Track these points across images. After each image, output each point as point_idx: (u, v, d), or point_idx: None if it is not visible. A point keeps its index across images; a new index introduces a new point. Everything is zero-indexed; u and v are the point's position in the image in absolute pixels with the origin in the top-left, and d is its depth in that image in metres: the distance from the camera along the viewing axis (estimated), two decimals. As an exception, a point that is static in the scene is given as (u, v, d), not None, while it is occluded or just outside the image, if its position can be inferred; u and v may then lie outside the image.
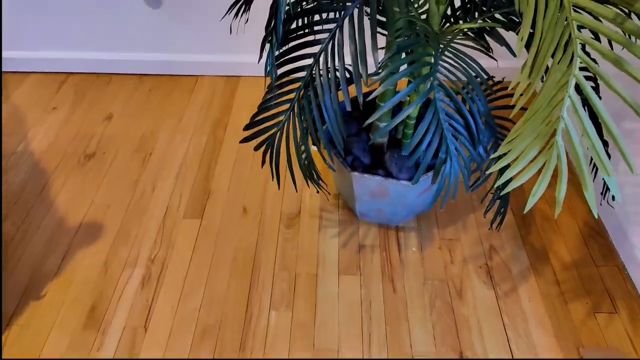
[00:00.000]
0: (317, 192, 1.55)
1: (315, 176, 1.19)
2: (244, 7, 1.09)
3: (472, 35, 0.96)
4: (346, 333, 1.20)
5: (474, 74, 0.82)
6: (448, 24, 1.04)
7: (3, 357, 1.15)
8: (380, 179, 1.18)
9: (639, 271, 1.26)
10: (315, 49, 0.90)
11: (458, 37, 0.90)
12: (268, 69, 0.87)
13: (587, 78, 1.05)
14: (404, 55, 0.88)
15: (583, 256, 1.36)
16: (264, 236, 1.42)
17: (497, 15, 0.98)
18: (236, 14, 1.15)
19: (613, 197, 1.42)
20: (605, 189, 1.28)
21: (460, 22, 1.02)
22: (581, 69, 0.68)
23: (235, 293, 1.28)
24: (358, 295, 1.28)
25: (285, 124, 0.97)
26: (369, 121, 0.83)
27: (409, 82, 0.85)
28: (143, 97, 1.94)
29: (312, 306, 1.25)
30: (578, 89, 0.72)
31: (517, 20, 0.96)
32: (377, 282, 1.30)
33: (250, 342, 1.18)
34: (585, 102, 0.99)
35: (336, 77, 0.86)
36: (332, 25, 0.87)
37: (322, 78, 0.87)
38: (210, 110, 1.87)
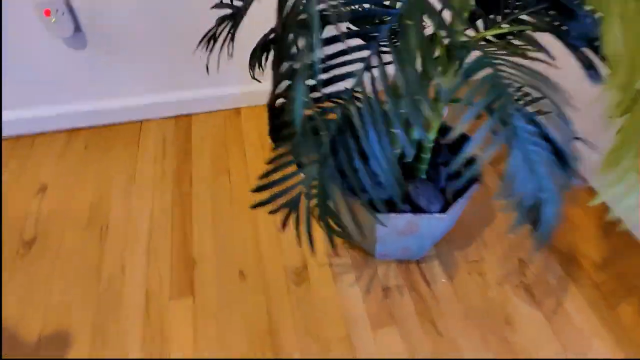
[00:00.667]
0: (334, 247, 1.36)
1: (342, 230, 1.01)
2: (227, 34, 0.89)
3: (503, 43, 0.85)
4: (404, 400, 1.03)
5: (539, 85, 0.69)
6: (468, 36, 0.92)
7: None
8: (410, 216, 1.03)
9: (669, 257, 1.23)
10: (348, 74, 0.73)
11: (489, 47, 0.78)
12: (297, 107, 0.68)
13: None
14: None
15: (609, 253, 1.31)
16: (272, 301, 1.21)
17: (524, 17, 0.87)
18: (209, 44, 0.94)
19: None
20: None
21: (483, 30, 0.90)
22: None
23: (261, 381, 1.06)
24: (401, 348, 1.11)
25: (314, 180, 0.78)
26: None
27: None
28: (79, 157, 1.62)
29: (356, 375, 1.07)
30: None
31: (548, 19, 0.86)
32: (417, 328, 1.15)
33: None
34: None
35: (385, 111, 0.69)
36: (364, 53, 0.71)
37: (366, 114, 0.70)
38: (167, 160, 1.61)
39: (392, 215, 1.03)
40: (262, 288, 1.24)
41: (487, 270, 1.27)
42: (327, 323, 1.16)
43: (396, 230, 1.08)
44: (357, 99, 0.73)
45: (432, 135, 1.04)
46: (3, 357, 1.10)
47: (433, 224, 1.06)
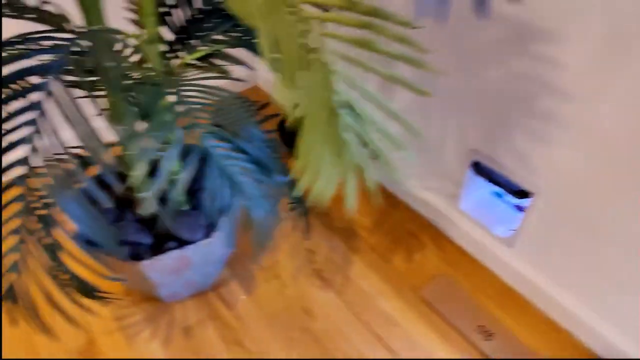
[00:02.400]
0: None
1: (94, 292, 0.91)
2: None
3: (206, 64, 0.85)
4: None
5: (229, 103, 0.71)
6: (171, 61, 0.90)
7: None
8: (176, 252, 0.98)
9: (419, 203, 1.44)
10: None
11: (191, 72, 0.78)
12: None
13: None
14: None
15: (378, 214, 1.47)
16: (60, 397, 1.04)
17: (219, 37, 0.89)
18: None
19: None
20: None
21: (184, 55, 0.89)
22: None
23: None
24: (216, 385, 1.07)
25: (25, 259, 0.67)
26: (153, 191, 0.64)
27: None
28: None
29: None
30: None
31: (241, 35, 0.90)
32: (224, 355, 1.12)
33: None
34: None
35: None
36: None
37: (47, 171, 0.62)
38: None
39: (158, 257, 0.97)
40: (44, 388, 1.05)
41: (281, 271, 1.31)
42: (130, 393, 1.05)
43: (169, 269, 1.02)
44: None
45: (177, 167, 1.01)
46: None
47: (205, 251, 1.03)
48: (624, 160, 0.89)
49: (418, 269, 1.31)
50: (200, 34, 0.91)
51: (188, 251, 0.99)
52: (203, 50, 0.82)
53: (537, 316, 1.20)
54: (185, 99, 0.70)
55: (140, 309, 1.20)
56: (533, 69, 0.95)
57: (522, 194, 1.12)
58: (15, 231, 0.66)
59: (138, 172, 0.71)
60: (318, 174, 0.70)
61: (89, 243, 0.99)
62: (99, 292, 0.96)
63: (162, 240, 1.02)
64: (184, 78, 0.76)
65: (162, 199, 1.05)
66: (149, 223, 1.06)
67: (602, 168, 0.93)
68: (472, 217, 1.30)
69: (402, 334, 1.17)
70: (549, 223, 1.10)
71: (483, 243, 1.29)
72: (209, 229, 1.04)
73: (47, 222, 0.66)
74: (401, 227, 1.43)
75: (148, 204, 0.98)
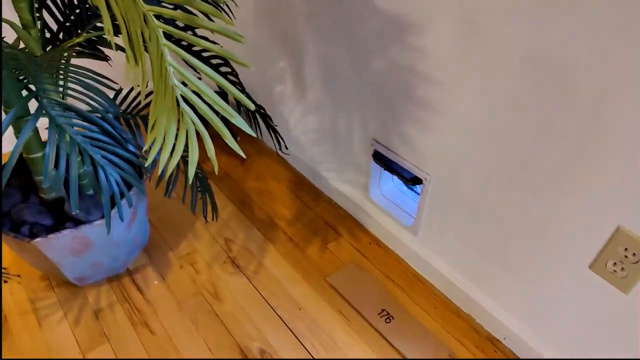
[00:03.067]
0: (5, 281, 1.27)
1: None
2: None
3: (85, 49, 0.92)
4: (118, 410, 1.02)
5: (92, 82, 0.77)
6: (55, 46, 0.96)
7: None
8: (72, 231, 1.03)
9: (337, 195, 1.49)
10: None
11: (72, 55, 0.84)
12: None
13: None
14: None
15: (300, 208, 1.52)
16: (-37, 374, 1.07)
17: (100, 24, 0.96)
18: None
19: (286, 147, 1.63)
20: (277, 141, 1.43)
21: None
22: (166, 35, 0.71)
23: None
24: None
25: None
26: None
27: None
28: None
29: (65, 409, 1.02)
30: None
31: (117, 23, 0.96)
32: (130, 336, 1.15)
33: None
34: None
35: None
36: None
37: None
38: None
39: (52, 235, 1.02)
40: (-52, 365, 1.09)
41: (198, 258, 1.35)
42: (31, 370, 1.09)
43: (68, 249, 1.07)
44: None
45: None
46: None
47: (101, 232, 1.08)
48: (486, 142, 0.94)
49: (331, 257, 1.36)
50: (85, 23, 0.98)
51: (83, 231, 1.04)
52: (83, 36, 0.88)
53: (441, 301, 1.24)
54: (57, 81, 0.76)
55: (55, 293, 1.25)
56: (408, 60, 1.01)
57: (416, 181, 1.17)
58: None
59: (17, 151, 0.76)
60: (164, 141, 0.75)
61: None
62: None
63: (63, 222, 1.07)
64: (60, 62, 0.82)
65: (65, 184, 1.11)
66: (51, 206, 1.11)
67: (472, 150, 0.98)
68: (382, 207, 1.34)
69: (307, 317, 1.20)
70: (440, 209, 1.14)
71: (392, 232, 1.33)
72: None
73: None
74: (320, 218, 1.48)
75: (48, 188, 1.03)
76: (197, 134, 0.73)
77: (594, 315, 0.90)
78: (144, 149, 0.72)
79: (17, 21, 0.89)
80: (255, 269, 1.33)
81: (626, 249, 0.78)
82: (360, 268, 1.32)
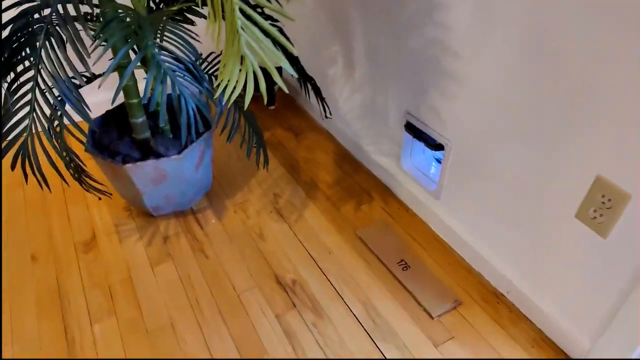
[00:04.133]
0: (99, 199, 1.57)
1: (86, 178, 1.25)
2: None
3: (176, 16, 1.19)
4: (174, 307, 1.27)
5: (184, 35, 1.03)
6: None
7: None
8: (153, 161, 1.30)
9: (376, 167, 1.67)
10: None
11: (169, 19, 1.11)
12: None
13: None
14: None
15: (341, 175, 1.72)
16: (63, 270, 1.38)
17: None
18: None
19: (330, 113, 1.83)
20: (323, 109, 1.63)
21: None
22: None
23: (49, 329, 1.22)
24: (176, 275, 1.36)
25: (32, 127, 1.02)
26: (115, 100, 0.95)
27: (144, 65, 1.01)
28: None
29: (135, 302, 1.28)
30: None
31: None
32: (189, 258, 1.41)
33: (81, 356, 1.15)
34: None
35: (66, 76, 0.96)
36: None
37: (47, 77, 0.96)
38: (-43, 185, 1.69)
39: (139, 163, 1.29)
40: (53, 263, 1.40)
41: (249, 207, 1.59)
42: (112, 273, 1.36)
43: (149, 178, 1.34)
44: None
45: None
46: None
47: (175, 166, 1.34)
48: (494, 108, 1.09)
49: (363, 216, 1.54)
50: None
51: (161, 163, 1.31)
52: (178, 6, 1.15)
53: (454, 258, 1.38)
54: (154, 34, 1.03)
55: (134, 221, 1.53)
56: (436, 35, 1.19)
57: (439, 147, 1.33)
58: (27, 103, 1.01)
59: (122, 85, 1.03)
60: (230, 80, 0.99)
61: (96, 147, 1.34)
62: (94, 182, 1.30)
63: (148, 157, 1.35)
64: (160, 22, 1.08)
65: (153, 129, 1.39)
66: (140, 144, 1.39)
67: (482, 116, 1.13)
68: (411, 175, 1.51)
69: (335, 260, 1.39)
70: (459, 174, 1.29)
71: (418, 197, 1.49)
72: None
73: (57, 110, 1.00)
74: (357, 185, 1.67)
75: (139, 129, 1.31)
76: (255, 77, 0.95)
77: (581, 262, 1.02)
78: (215, 84, 0.96)
79: (130, -6, 1.18)
80: (296, 218, 1.54)
81: (603, 195, 0.90)
82: (386, 226, 1.49)
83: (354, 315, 1.24)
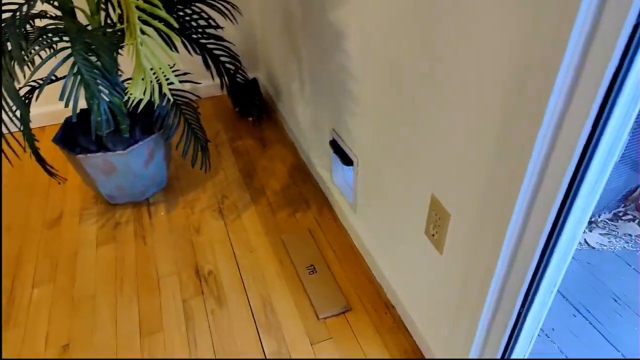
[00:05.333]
0: (59, 183, 1.81)
1: (44, 164, 1.47)
2: None
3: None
4: (102, 282, 1.44)
5: (107, 47, 1.22)
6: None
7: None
8: (102, 154, 1.50)
9: (319, 178, 1.77)
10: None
11: (111, 34, 1.31)
12: None
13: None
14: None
15: (289, 185, 1.84)
16: (26, 242, 1.60)
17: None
18: None
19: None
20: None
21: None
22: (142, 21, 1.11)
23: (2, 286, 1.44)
24: (113, 256, 1.54)
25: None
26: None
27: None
28: None
29: (72, 274, 1.47)
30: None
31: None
32: (130, 243, 1.59)
33: (14, 314, 1.35)
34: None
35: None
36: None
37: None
38: (-29, 164, 2.00)
39: (89, 155, 1.50)
40: (20, 235, 1.63)
41: (197, 204, 1.75)
42: (64, 247, 1.57)
43: (100, 169, 1.54)
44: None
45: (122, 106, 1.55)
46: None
47: (123, 160, 1.53)
48: (384, 132, 1.17)
49: (294, 223, 1.64)
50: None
51: (109, 157, 1.51)
52: (119, 26, 1.35)
53: (361, 268, 1.45)
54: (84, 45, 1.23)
55: (97, 207, 1.75)
56: (342, 60, 1.29)
57: (351, 162, 1.41)
58: None
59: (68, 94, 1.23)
60: (135, 87, 1.16)
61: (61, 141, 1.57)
62: (51, 168, 1.52)
63: (104, 150, 1.55)
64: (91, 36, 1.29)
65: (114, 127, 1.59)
66: (100, 139, 1.60)
67: (379, 138, 1.22)
68: (339, 189, 1.60)
69: (253, 258, 1.51)
70: (366, 189, 1.37)
71: (343, 209, 1.58)
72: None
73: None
74: (300, 194, 1.78)
75: (99, 125, 1.52)
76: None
77: (428, 276, 1.06)
78: (126, 91, 1.13)
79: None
80: (233, 218, 1.67)
81: (436, 213, 0.96)
82: (310, 234, 1.59)
83: (250, 308, 1.35)
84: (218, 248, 1.56)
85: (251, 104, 2.23)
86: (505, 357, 0.90)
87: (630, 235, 1.58)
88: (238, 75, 1.71)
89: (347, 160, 1.43)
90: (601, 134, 0.56)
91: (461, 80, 0.78)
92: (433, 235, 0.99)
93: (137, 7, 1.13)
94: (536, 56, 0.59)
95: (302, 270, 1.45)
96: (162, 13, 1.10)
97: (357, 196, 1.44)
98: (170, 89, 1.60)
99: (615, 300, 1.36)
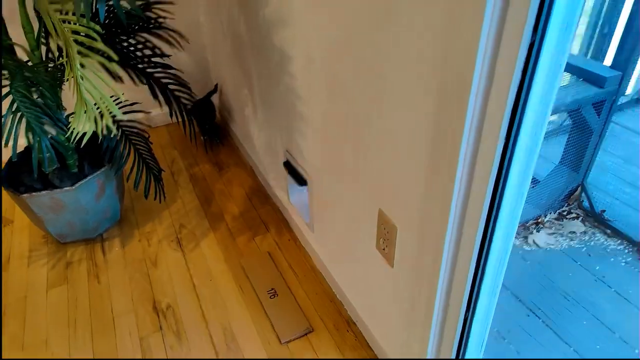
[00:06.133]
0: (4, 225, 1.74)
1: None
2: None
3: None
4: (54, 326, 1.38)
5: (48, 83, 1.20)
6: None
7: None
8: (48, 192, 1.45)
9: (277, 200, 1.77)
10: None
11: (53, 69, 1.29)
12: None
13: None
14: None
15: (247, 208, 1.83)
16: (-29, 289, 1.52)
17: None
18: None
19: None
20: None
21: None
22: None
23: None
24: (65, 297, 1.48)
25: None
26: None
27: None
28: None
29: (22, 319, 1.41)
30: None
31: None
32: (83, 283, 1.53)
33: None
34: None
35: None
36: None
37: None
38: None
39: (34, 193, 1.45)
40: (-36, 282, 1.55)
41: (154, 236, 1.72)
42: (13, 292, 1.50)
43: (48, 206, 1.49)
44: None
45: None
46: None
47: (71, 196, 1.49)
48: (332, 150, 1.19)
49: (254, 247, 1.63)
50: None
51: (56, 194, 1.46)
52: (60, 60, 1.33)
53: (322, 287, 1.45)
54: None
55: (47, 247, 1.68)
56: (287, 82, 1.31)
57: (305, 182, 1.43)
58: None
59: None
60: (77, 119, 1.14)
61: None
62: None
63: (48, 187, 1.51)
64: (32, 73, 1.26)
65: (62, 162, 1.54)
66: (45, 176, 1.55)
67: (328, 157, 1.24)
68: (297, 210, 1.60)
69: (212, 286, 1.49)
70: (320, 208, 1.38)
71: (301, 229, 1.58)
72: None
73: None
74: (259, 217, 1.77)
75: (45, 162, 1.47)
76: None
77: (382, 290, 1.08)
78: (68, 126, 1.11)
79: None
80: (192, 247, 1.65)
81: (384, 227, 0.98)
82: (269, 257, 1.58)
83: (211, 339, 1.32)
84: (176, 280, 1.53)
85: (205, 127, 2.22)
86: (459, 358, 0.92)
87: (575, 232, 1.65)
88: (186, 102, 1.70)
89: (301, 181, 1.44)
90: (514, 146, 0.60)
91: (396, 98, 0.81)
92: (384, 249, 1.01)
93: (76, 41, 1.12)
94: (452, 82, 0.62)
95: (263, 294, 1.44)
96: (101, 45, 1.10)
97: (313, 215, 1.45)
98: (119, 120, 1.57)
99: (565, 298, 1.41)
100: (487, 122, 0.59)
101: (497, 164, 0.60)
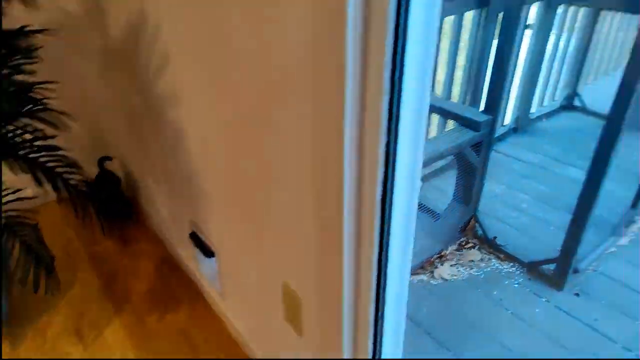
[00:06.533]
0: None
1: None
2: None
3: None
4: None
5: None
6: None
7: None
8: None
9: (189, 270, 1.71)
10: None
11: None
12: None
13: None
14: None
15: (157, 282, 1.74)
16: None
17: None
18: None
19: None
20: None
21: None
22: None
23: None
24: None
25: None
26: None
27: None
28: None
29: None
30: None
31: None
32: (-35, 400, 1.34)
33: None
34: None
35: None
36: None
37: None
38: None
39: None
40: None
41: (49, 330, 1.55)
42: None
43: None
44: None
45: None
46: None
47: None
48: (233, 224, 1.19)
49: (166, 326, 1.55)
50: None
51: None
52: None
53: (239, 354, 1.41)
54: None
55: None
56: (184, 156, 1.30)
57: (213, 254, 1.40)
58: None
59: None
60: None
61: None
62: None
63: None
64: None
65: None
66: None
67: (233, 229, 1.23)
68: (207, 277, 1.56)
69: (123, 379, 1.38)
70: (228, 278, 1.36)
71: (214, 298, 1.54)
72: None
73: None
74: (170, 291, 1.69)
75: None
76: None
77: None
78: None
79: None
80: (94, 337, 1.52)
81: (290, 299, 0.99)
82: (182, 335, 1.51)
83: None
84: None
85: (105, 204, 2.10)
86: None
87: (473, 260, 1.79)
88: (76, 182, 1.60)
89: (208, 253, 1.41)
90: (391, 205, 0.65)
91: (282, 184, 0.84)
92: (291, 320, 1.01)
93: None
94: (328, 188, 0.67)
95: (178, 377, 1.36)
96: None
97: (224, 286, 1.42)
98: (-3, 211, 1.43)
99: (472, 327, 1.51)
100: (364, 208, 0.64)
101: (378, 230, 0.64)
